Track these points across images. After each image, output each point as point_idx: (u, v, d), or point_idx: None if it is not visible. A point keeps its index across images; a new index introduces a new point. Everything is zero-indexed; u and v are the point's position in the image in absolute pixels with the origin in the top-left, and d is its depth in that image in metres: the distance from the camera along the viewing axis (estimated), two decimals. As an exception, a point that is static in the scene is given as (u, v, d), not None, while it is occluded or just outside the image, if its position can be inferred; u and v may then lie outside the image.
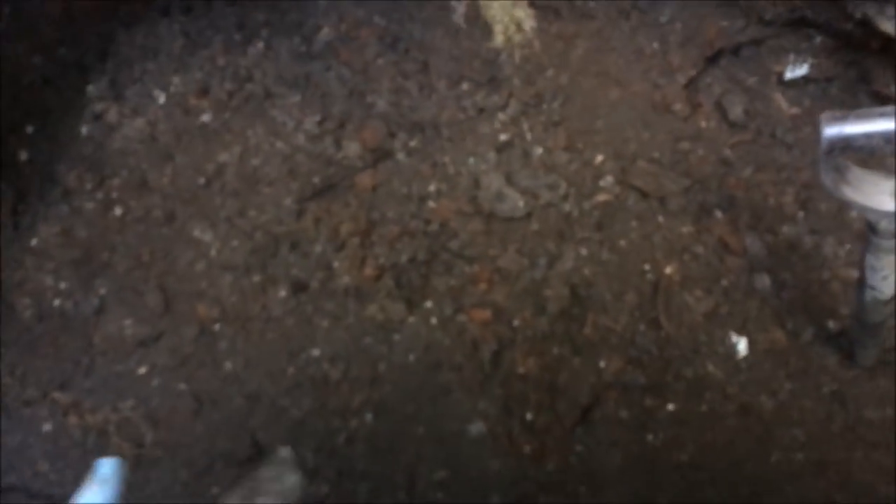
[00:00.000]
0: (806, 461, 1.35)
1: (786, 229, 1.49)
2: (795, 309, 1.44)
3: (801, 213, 1.50)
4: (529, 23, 0.98)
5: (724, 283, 1.45)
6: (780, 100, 1.53)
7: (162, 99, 1.58)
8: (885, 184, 0.89)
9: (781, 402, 1.38)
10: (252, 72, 1.59)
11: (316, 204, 1.48)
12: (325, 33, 1.59)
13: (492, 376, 1.39)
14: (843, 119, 0.80)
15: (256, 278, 1.43)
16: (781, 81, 1.51)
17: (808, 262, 1.47)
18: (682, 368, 1.39)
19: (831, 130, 0.79)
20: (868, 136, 0.78)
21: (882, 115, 0.78)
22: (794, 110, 1.52)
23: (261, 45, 1.60)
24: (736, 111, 1.54)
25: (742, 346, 1.42)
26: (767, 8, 1.38)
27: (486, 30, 1.01)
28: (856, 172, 0.89)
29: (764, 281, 1.45)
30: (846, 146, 0.80)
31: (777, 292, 1.45)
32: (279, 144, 1.52)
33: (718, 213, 1.50)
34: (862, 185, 0.89)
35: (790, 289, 1.45)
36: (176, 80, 1.59)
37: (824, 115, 0.80)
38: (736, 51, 1.55)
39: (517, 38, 0.99)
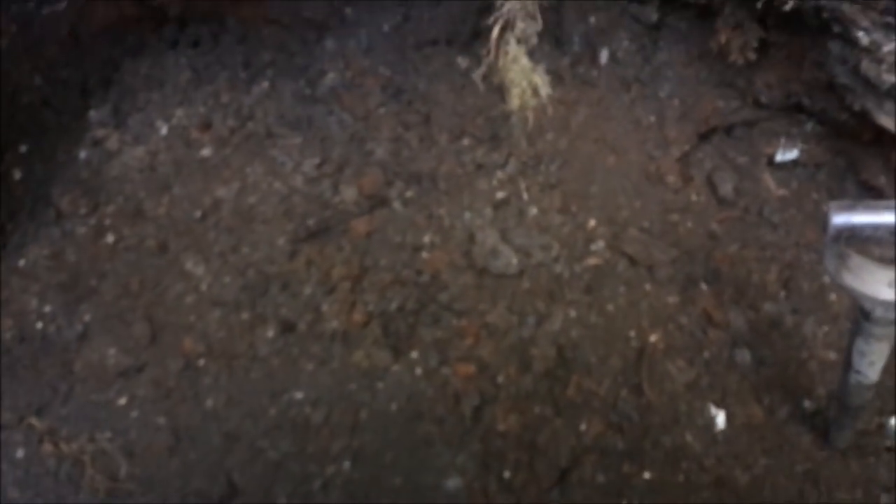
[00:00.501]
0: (777, 539, 1.37)
1: (768, 307, 1.52)
2: (773, 386, 1.47)
3: (783, 293, 1.54)
4: (546, 89, 1.01)
5: (707, 354, 1.47)
6: (769, 180, 1.57)
7: (164, 130, 1.58)
8: (884, 274, 0.92)
9: (756, 477, 1.40)
10: (255, 110, 1.61)
11: (309, 246, 1.49)
12: (330, 78, 1.61)
13: (472, 431, 1.38)
14: (851, 208, 0.83)
15: (245, 315, 1.42)
16: (771, 163, 1.56)
17: (787, 341, 1.50)
18: (661, 437, 1.40)
19: (839, 219, 0.82)
20: (875, 227, 0.81)
21: (888, 209, 0.81)
22: (782, 192, 1.56)
23: (265, 84, 1.62)
24: (726, 188, 1.58)
25: (720, 418, 1.43)
26: (764, 92, 1.43)
27: (498, 91, 1.03)
28: (857, 261, 0.92)
29: (744, 356, 1.48)
30: (851, 235, 0.82)
31: (756, 368, 1.48)
32: (277, 184, 1.53)
33: (704, 286, 1.53)
34: (862, 274, 0.92)
35: (769, 366, 1.48)
36: (179, 112, 1.59)
37: (833, 204, 0.83)
38: (729, 130, 1.59)
39: (532, 102, 1.02)
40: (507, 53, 0.94)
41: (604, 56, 1.54)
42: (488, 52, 0.96)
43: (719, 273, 1.54)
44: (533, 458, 1.38)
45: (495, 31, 0.93)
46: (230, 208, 1.51)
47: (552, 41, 1.58)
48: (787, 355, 1.49)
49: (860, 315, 0.97)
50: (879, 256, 0.88)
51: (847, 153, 1.43)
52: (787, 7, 1.13)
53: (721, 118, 1.57)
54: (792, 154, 1.52)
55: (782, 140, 1.53)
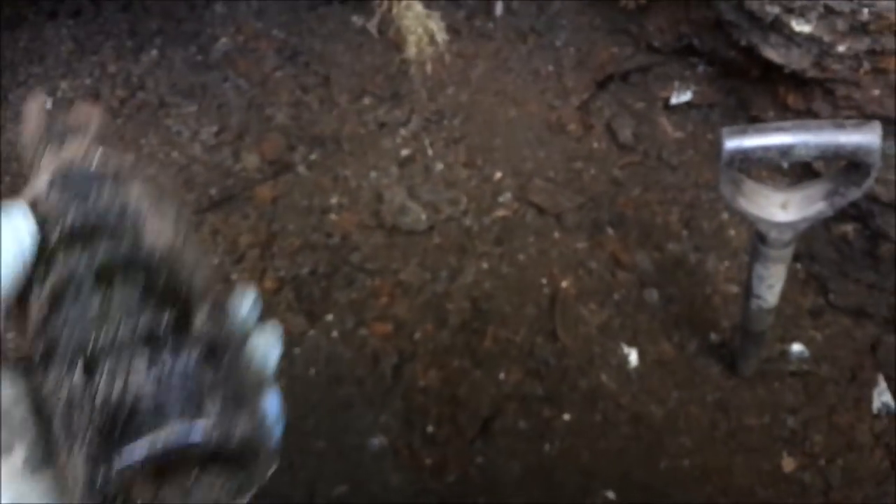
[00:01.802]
0: (692, 467, 1.42)
1: (671, 246, 1.57)
2: (681, 322, 1.51)
3: (685, 232, 1.58)
4: (441, 35, 1.00)
5: (616, 296, 1.50)
6: (666, 124, 1.61)
7: (48, 104, 1.50)
8: (776, 196, 0.95)
9: (670, 410, 1.44)
10: (145, 80, 1.55)
11: (213, 215, 1.45)
12: (223, 44, 1.56)
13: (393, 389, 1.39)
14: (742, 133, 0.85)
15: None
16: (667, 107, 1.59)
17: (692, 278, 1.55)
18: (578, 379, 1.44)
19: (732, 143, 0.84)
20: (766, 148, 0.83)
21: (779, 130, 0.84)
22: (679, 134, 1.60)
23: (154, 52, 1.56)
24: (625, 134, 1.61)
25: (633, 357, 1.47)
26: (655, 36, 1.46)
27: (393, 44, 1.02)
28: (750, 185, 0.95)
29: (652, 295, 1.52)
30: (745, 158, 0.85)
31: (664, 306, 1.52)
32: (174, 154, 1.48)
33: (610, 230, 1.56)
34: (756, 198, 0.95)
35: (676, 303, 1.53)
36: (63, 85, 1.52)
37: (725, 130, 0.85)
38: (625, 76, 1.62)
39: (429, 50, 1.01)
40: (399, 1, 0.93)
41: (498, 8, 1.54)
42: (382, 1, 0.95)
43: (624, 217, 1.58)
44: (455, 410, 1.39)
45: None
46: (126, 182, 1.46)
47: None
48: (693, 292, 1.54)
49: (756, 239, 1.01)
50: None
51: (738, 92, 1.48)
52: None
53: (617, 65, 1.59)
54: (686, 96, 1.56)
55: (676, 83, 1.56)
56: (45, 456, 0.47)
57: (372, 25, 0.99)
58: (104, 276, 0.46)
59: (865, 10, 1.02)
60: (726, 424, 1.46)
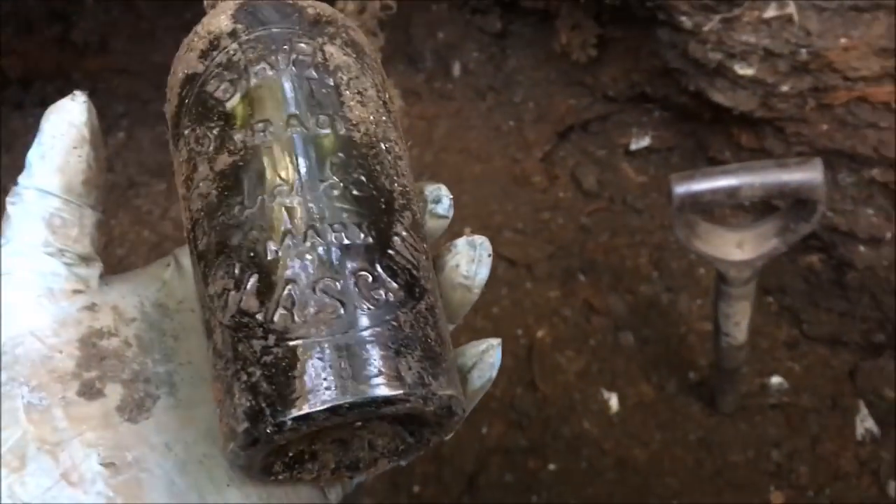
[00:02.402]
0: (681, 508, 1.42)
1: (643, 288, 1.59)
2: (659, 362, 1.53)
3: (655, 273, 1.61)
4: (397, 102, 1.02)
5: (592, 342, 1.52)
6: (628, 169, 1.65)
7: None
8: (731, 236, 0.98)
9: (654, 452, 1.45)
10: (113, 162, 1.57)
11: (188, 290, 1.46)
12: (189, 121, 1.59)
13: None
14: (691, 178, 0.88)
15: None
16: (628, 152, 1.63)
17: (666, 318, 1.57)
18: (561, 427, 1.44)
19: (680, 189, 0.87)
20: (713, 191, 0.86)
21: (724, 173, 0.87)
22: (642, 178, 1.64)
23: (121, 135, 1.59)
24: (589, 181, 1.64)
25: (613, 401, 1.48)
26: (610, 86, 1.50)
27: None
28: (705, 227, 0.98)
29: (628, 338, 1.53)
30: (695, 202, 0.88)
31: (641, 348, 1.54)
32: (145, 234, 1.50)
33: (582, 277, 1.58)
34: (711, 238, 0.98)
35: (652, 344, 1.54)
36: (32, 172, 1.54)
37: (674, 176, 0.88)
38: (585, 126, 1.66)
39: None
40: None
41: (456, 69, 1.59)
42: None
43: (594, 263, 1.60)
44: (440, 468, 1.39)
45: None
46: (99, 263, 1.47)
47: (405, 60, 1.61)
48: (667, 332, 1.56)
49: (718, 279, 1.03)
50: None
51: (694, 134, 1.52)
52: (615, 2, 1.19)
53: (576, 116, 1.63)
54: (645, 141, 1.59)
55: (634, 130, 1.60)
56: (148, 395, 0.43)
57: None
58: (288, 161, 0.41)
59: (803, 51, 1.06)
60: (711, 462, 1.46)
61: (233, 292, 0.39)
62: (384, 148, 0.43)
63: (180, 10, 1.05)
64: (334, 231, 0.39)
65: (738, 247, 0.95)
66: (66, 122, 0.44)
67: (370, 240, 0.39)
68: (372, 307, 0.38)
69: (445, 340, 0.42)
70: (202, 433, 0.44)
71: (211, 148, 0.41)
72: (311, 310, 0.37)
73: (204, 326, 0.41)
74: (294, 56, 0.42)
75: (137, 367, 0.43)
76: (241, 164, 0.40)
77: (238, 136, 0.41)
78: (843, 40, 1.03)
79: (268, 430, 0.37)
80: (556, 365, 1.48)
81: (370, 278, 0.38)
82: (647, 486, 1.42)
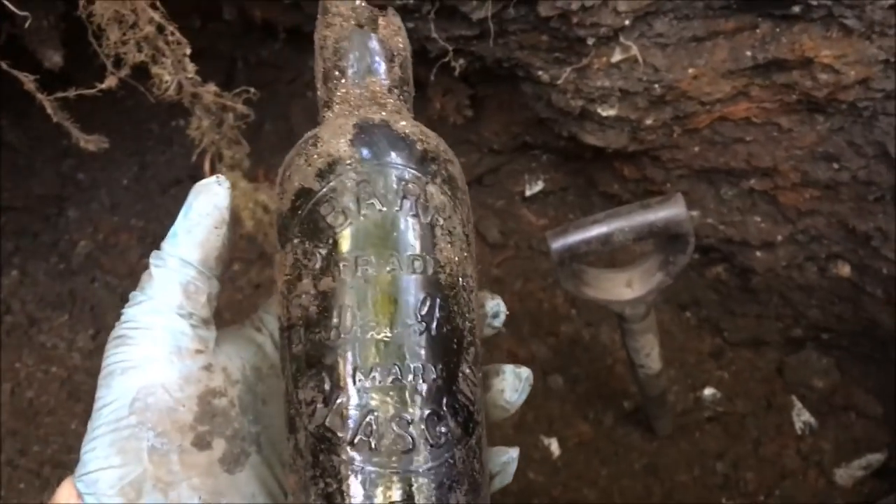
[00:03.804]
0: (640, 539, 1.42)
1: (564, 328, 1.61)
2: (592, 399, 1.54)
3: (573, 311, 1.63)
4: (276, 204, 1.03)
5: (523, 392, 1.52)
6: (528, 214, 1.67)
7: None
8: (620, 277, 1.00)
9: (603, 489, 1.45)
10: (10, 302, 1.53)
11: (106, 420, 1.42)
12: (83, 246, 1.56)
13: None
14: (564, 232, 0.90)
15: (55, 516, 1.33)
16: (525, 198, 1.66)
17: (591, 353, 1.59)
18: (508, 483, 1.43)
19: (556, 244, 0.89)
20: (587, 242, 0.88)
21: (595, 222, 0.89)
22: (542, 221, 1.67)
23: (15, 273, 1.55)
24: (493, 233, 1.67)
25: (554, 446, 1.49)
26: (493, 140, 1.53)
27: (236, 219, 1.05)
28: (592, 273, 1.00)
29: (557, 381, 1.55)
30: (572, 254, 0.89)
31: (572, 388, 1.55)
32: (54, 370, 1.45)
33: (502, 328, 1.59)
34: (600, 283, 1.00)
35: (582, 382, 1.56)
36: (-74, 325, 1.49)
37: (548, 233, 0.90)
38: (479, 180, 1.68)
39: (266, 218, 1.04)
40: (223, 183, 0.96)
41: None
42: (206, 187, 0.97)
43: (512, 312, 1.60)
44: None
45: (206, 167, 0.95)
46: (8, 411, 1.42)
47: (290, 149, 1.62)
48: (595, 366, 1.58)
49: (617, 319, 1.05)
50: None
51: (583, 171, 1.55)
52: (474, 66, 1.22)
53: (468, 172, 1.65)
54: (538, 186, 1.62)
55: (526, 176, 1.64)
56: (243, 452, 0.51)
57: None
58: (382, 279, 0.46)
59: (657, 86, 1.10)
60: (660, 487, 1.47)
61: (320, 406, 0.45)
62: (462, 285, 0.49)
63: (54, 141, 1.05)
64: (414, 371, 0.45)
65: (627, 286, 0.98)
66: (213, 203, 0.51)
67: (440, 381, 0.46)
68: (434, 445, 0.45)
69: (485, 467, 0.50)
70: (277, 491, 0.52)
71: (317, 267, 0.47)
72: (387, 441, 0.44)
73: (287, 419, 0.48)
74: (401, 197, 0.47)
75: (237, 426, 0.51)
76: (341, 292, 0.46)
77: (342, 265, 0.46)
78: (690, 70, 1.08)
79: None
80: (490, 421, 1.48)
81: (436, 417, 0.45)
82: (602, 524, 1.42)
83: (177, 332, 0.50)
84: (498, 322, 0.56)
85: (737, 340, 1.65)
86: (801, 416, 1.61)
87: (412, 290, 0.46)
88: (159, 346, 0.49)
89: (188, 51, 0.81)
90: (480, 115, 1.49)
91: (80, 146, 0.89)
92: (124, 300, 1.47)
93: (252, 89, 0.91)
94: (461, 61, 0.99)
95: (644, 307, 1.01)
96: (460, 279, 0.49)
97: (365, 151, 0.48)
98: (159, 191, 1.60)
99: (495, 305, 0.56)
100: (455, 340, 0.47)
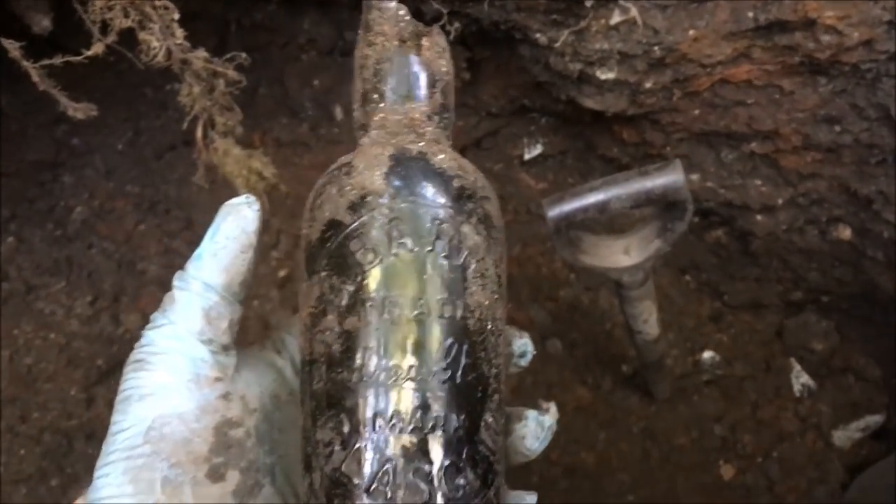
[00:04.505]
0: (638, 501, 1.43)
1: (563, 293, 1.60)
2: (590, 363, 1.54)
3: (572, 276, 1.62)
4: (269, 170, 1.01)
5: (522, 356, 1.52)
6: (527, 178, 1.66)
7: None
8: (617, 244, 0.99)
9: (601, 453, 1.46)
10: (7, 269, 1.52)
11: (105, 387, 1.42)
12: (79, 213, 1.55)
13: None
14: (560, 200, 0.89)
15: (54, 482, 1.34)
16: (523, 162, 1.64)
17: (589, 318, 1.59)
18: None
19: (553, 211, 0.88)
20: (584, 209, 0.87)
21: (591, 189, 0.88)
22: (542, 185, 1.65)
23: (11, 239, 1.54)
24: (491, 197, 1.65)
25: (553, 411, 1.49)
26: (491, 103, 1.51)
27: (229, 185, 1.04)
28: (590, 240, 0.99)
29: (556, 345, 1.54)
30: (569, 222, 0.88)
31: (570, 352, 1.55)
32: (52, 336, 1.45)
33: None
34: (598, 251, 0.99)
35: (581, 346, 1.55)
36: (-77, 293, 1.49)
37: (545, 201, 0.89)
38: (478, 144, 1.67)
39: (260, 185, 1.02)
40: (216, 150, 0.95)
41: (338, 112, 1.58)
42: (199, 155, 0.96)
43: (511, 277, 1.60)
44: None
45: (198, 134, 0.94)
46: (7, 378, 1.42)
47: (287, 113, 1.60)
48: (593, 331, 1.58)
49: (616, 285, 1.05)
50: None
51: (581, 135, 1.54)
52: (471, 28, 1.20)
53: (466, 136, 1.64)
54: (537, 150, 1.61)
55: (525, 140, 1.62)
56: (257, 483, 0.50)
57: (199, 178, 1.01)
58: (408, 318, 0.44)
59: (656, 48, 1.08)
60: (658, 450, 1.48)
61: (338, 448, 0.44)
62: (490, 329, 0.47)
63: (48, 106, 1.03)
64: (435, 420, 0.44)
65: (625, 253, 0.97)
66: (241, 227, 0.50)
67: (462, 431, 0.44)
68: (451, 498, 0.44)
69: None
70: None
71: (343, 304, 0.45)
72: (402, 492, 0.43)
73: (303, 456, 0.47)
74: (434, 237, 0.45)
75: (252, 458, 0.50)
76: (366, 332, 0.44)
77: (369, 305, 0.45)
78: (691, 32, 1.06)
79: None
80: (509, 467, 1.48)
81: (456, 469, 0.44)
82: (600, 486, 1.43)
83: (196, 360, 0.49)
84: (524, 362, 0.56)
85: (736, 304, 1.65)
86: (800, 379, 1.61)
87: (439, 336, 0.45)
88: (177, 374, 0.48)
89: (176, 16, 0.79)
90: (478, 79, 1.47)
91: (77, 116, 0.87)
92: (121, 266, 1.47)
93: (244, 54, 0.89)
94: (456, 24, 0.97)
95: (642, 274, 1.00)
96: (489, 323, 0.47)
97: (400, 186, 0.46)
98: (154, 156, 1.58)
99: (523, 345, 0.55)
100: (480, 388, 0.46)
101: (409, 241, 0.45)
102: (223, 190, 1.54)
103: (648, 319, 1.12)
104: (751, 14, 1.03)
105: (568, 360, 1.53)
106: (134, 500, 0.46)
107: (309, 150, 1.58)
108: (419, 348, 0.44)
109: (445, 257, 0.46)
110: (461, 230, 0.46)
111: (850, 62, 1.05)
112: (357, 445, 0.44)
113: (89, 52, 0.76)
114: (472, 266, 0.46)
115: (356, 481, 0.43)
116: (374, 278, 0.45)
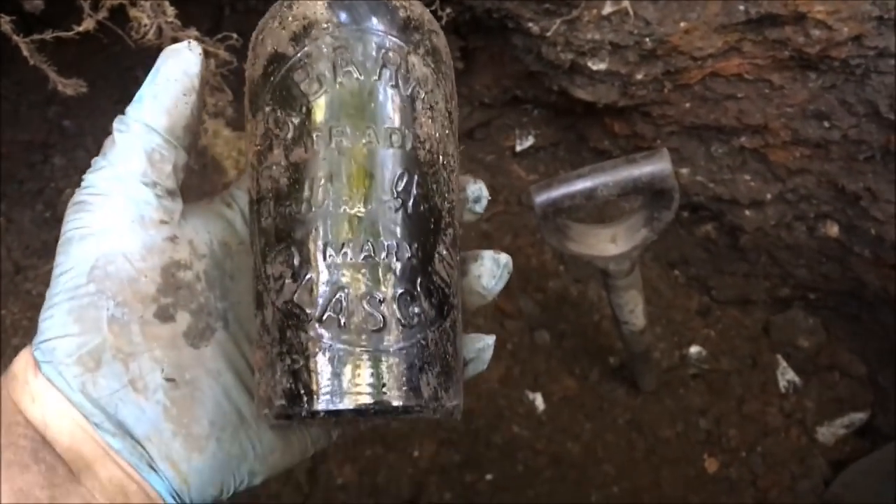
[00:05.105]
0: (622, 492, 1.44)
1: (552, 284, 1.61)
2: (578, 354, 1.55)
3: (561, 267, 1.63)
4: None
5: (509, 346, 1.53)
6: (519, 170, 1.66)
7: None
8: (604, 232, 0.99)
9: (586, 443, 1.47)
10: (-4, 249, 1.52)
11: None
12: (69, 194, 1.54)
13: (312, 494, 1.37)
14: (548, 186, 0.89)
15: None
16: (515, 154, 1.65)
17: (578, 310, 1.59)
18: (491, 437, 1.45)
19: (540, 198, 0.89)
20: (571, 196, 0.88)
21: (579, 177, 0.88)
22: (533, 177, 1.66)
23: (0, 220, 1.54)
24: (483, 188, 1.65)
25: (539, 401, 1.50)
26: (484, 93, 1.51)
27: (219, 167, 1.04)
28: (577, 228, 0.99)
29: (544, 336, 1.55)
30: (556, 209, 0.89)
31: (558, 343, 1.55)
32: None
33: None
34: (585, 239, 0.99)
35: (568, 337, 1.56)
36: (-87, 271, 1.49)
37: (532, 187, 0.90)
38: (470, 134, 1.67)
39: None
40: (206, 131, 0.95)
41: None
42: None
43: (500, 267, 1.61)
44: (378, 499, 1.38)
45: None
46: (-5, 357, 1.43)
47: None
48: (581, 322, 1.58)
49: (602, 275, 1.05)
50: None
51: (573, 127, 1.54)
52: (464, 17, 1.20)
53: (460, 126, 1.64)
54: (529, 141, 1.61)
55: (517, 131, 1.62)
56: (209, 327, 0.49)
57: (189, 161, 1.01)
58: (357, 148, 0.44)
59: (647, 40, 1.08)
60: (643, 442, 1.49)
61: (289, 281, 0.44)
62: (442, 163, 0.46)
63: (39, 87, 1.03)
64: (387, 249, 0.43)
65: (612, 242, 0.97)
66: (182, 69, 0.49)
67: (415, 261, 0.44)
68: (406, 325, 0.43)
69: (459, 352, 0.47)
70: (244, 368, 0.50)
71: (289, 137, 0.44)
72: (356, 319, 0.43)
73: (255, 295, 0.47)
74: (381, 66, 0.44)
75: (203, 301, 0.49)
76: (313, 163, 0.44)
77: (316, 136, 0.44)
78: (682, 24, 1.06)
79: (301, 414, 0.43)
80: (476, 375, 1.49)
81: (410, 297, 0.44)
82: (585, 477, 1.44)
83: (139, 201, 0.48)
84: (479, 207, 0.54)
85: (724, 299, 1.66)
86: (786, 375, 1.62)
87: (389, 165, 0.44)
88: (120, 214, 0.47)
89: (168, -6, 0.79)
90: (472, 68, 1.47)
91: (66, 92, 0.87)
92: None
93: (235, 35, 0.89)
94: (448, 10, 0.98)
95: (628, 263, 1.00)
96: (440, 157, 0.46)
97: (344, 15, 0.45)
98: (146, 139, 1.58)
99: (477, 189, 0.53)
100: (432, 220, 0.45)
101: (354, 70, 0.44)
102: (215, 173, 1.55)
103: (635, 310, 1.12)
104: (742, 7, 1.04)
105: (556, 351, 1.54)
106: (80, 338, 0.45)
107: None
108: (369, 178, 0.44)
109: (393, 86, 0.45)
110: (408, 60, 0.45)
111: (839, 57, 1.06)
112: (308, 276, 0.43)
113: (80, 28, 0.76)
114: (421, 97, 0.46)
115: (308, 311, 0.43)
116: (319, 108, 0.44)
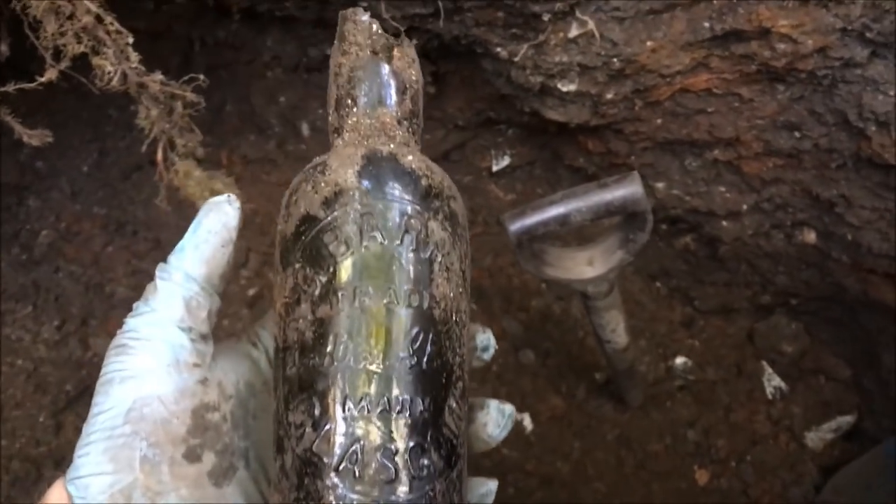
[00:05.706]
0: (614, 509, 1.44)
1: (535, 303, 1.61)
2: (564, 372, 1.55)
3: (543, 286, 1.63)
4: (233, 190, 1.01)
5: (495, 368, 1.53)
6: (496, 190, 1.67)
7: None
8: (581, 255, 0.99)
9: (576, 462, 1.47)
10: (-27, 295, 1.51)
11: (73, 413, 1.40)
12: (45, 235, 1.54)
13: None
14: (522, 214, 0.89)
15: (26, 510, 1.33)
16: (492, 174, 1.65)
17: (561, 328, 1.59)
18: (480, 459, 1.44)
19: (514, 226, 0.88)
20: (545, 223, 0.88)
21: (551, 203, 0.88)
22: (510, 196, 1.66)
23: (-24, 265, 1.53)
24: (461, 209, 1.65)
25: (527, 421, 1.49)
26: (458, 116, 1.51)
27: (194, 207, 1.03)
28: (554, 253, 0.99)
29: (528, 355, 1.55)
30: (530, 236, 0.89)
31: (543, 362, 1.55)
32: (19, 363, 1.44)
33: (473, 305, 1.59)
34: (562, 263, 0.99)
35: (553, 356, 1.56)
36: None
37: (505, 215, 0.89)
38: (446, 156, 1.67)
39: (224, 207, 1.02)
40: (177, 172, 0.94)
41: (305, 128, 1.58)
42: (160, 177, 0.96)
43: (482, 288, 1.61)
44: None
45: (159, 156, 0.93)
46: (-26, 406, 1.41)
47: (254, 130, 1.60)
48: (566, 340, 1.58)
49: (581, 297, 1.05)
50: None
51: (548, 146, 1.54)
52: (433, 43, 1.20)
53: (434, 148, 1.64)
54: (505, 161, 1.61)
55: (492, 152, 1.62)
56: (231, 466, 0.52)
57: (161, 201, 1.00)
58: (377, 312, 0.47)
59: (615, 60, 1.08)
60: (632, 457, 1.49)
61: (309, 430, 0.47)
62: (455, 321, 0.50)
63: (8, 130, 1.02)
64: (402, 403, 0.46)
65: (589, 264, 0.97)
66: (222, 223, 0.53)
67: (427, 414, 0.47)
68: (416, 477, 0.46)
69: (464, 498, 0.50)
70: None
71: (316, 294, 0.48)
72: (371, 471, 0.45)
73: (275, 439, 0.49)
74: (403, 231, 0.48)
75: (228, 441, 0.52)
76: (337, 320, 0.47)
77: (341, 294, 0.47)
78: (648, 43, 1.07)
79: None
80: (471, 454, 1.48)
81: (421, 450, 0.46)
82: (576, 495, 1.43)
83: (176, 346, 0.51)
84: (487, 356, 0.57)
85: (707, 309, 1.66)
86: (772, 382, 1.63)
87: (406, 324, 0.47)
88: (158, 358, 0.50)
89: (130, 40, 0.79)
90: (444, 91, 1.48)
91: (31, 143, 0.87)
92: (89, 289, 1.45)
93: (202, 76, 0.89)
94: (415, 40, 0.97)
95: (606, 285, 1.00)
96: (454, 314, 0.49)
97: (371, 184, 0.49)
98: (120, 177, 1.57)
99: (485, 339, 0.57)
100: (444, 374, 0.48)
101: (379, 235, 0.48)
102: (191, 210, 1.54)
103: (616, 329, 1.12)
104: (707, 24, 1.04)
105: (541, 370, 1.53)
106: (113, 477, 0.48)
107: (276, 166, 1.58)
108: (387, 335, 0.47)
109: (413, 250, 0.48)
110: (428, 225, 0.49)
111: (806, 69, 1.07)
112: (327, 427, 0.46)
113: (43, 79, 0.76)
114: (439, 259, 0.49)
115: (326, 460, 0.45)
116: (345, 269, 0.48)
